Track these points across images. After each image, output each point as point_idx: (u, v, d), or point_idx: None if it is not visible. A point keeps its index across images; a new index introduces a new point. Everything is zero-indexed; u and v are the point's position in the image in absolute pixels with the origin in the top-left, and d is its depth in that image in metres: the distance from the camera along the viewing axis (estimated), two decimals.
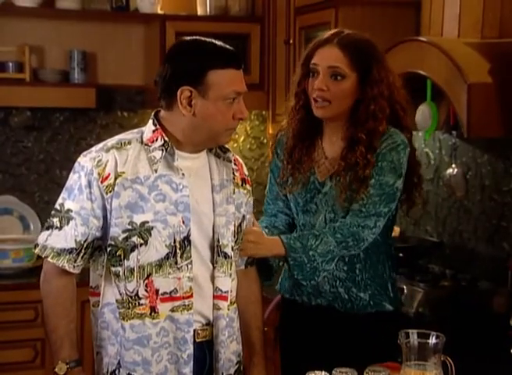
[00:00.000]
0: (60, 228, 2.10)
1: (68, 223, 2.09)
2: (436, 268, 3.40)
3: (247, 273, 2.32)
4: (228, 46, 2.10)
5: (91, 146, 2.17)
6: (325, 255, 2.33)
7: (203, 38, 2.12)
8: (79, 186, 2.09)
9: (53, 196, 4.30)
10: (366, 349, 2.38)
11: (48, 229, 2.13)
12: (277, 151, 2.58)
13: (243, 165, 2.31)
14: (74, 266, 2.11)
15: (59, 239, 2.10)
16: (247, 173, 2.30)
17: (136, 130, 2.18)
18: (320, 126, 2.49)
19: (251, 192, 2.30)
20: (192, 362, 2.13)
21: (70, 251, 2.09)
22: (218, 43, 2.09)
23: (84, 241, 2.09)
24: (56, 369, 2.11)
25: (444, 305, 2.97)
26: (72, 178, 2.12)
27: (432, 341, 1.93)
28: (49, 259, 2.10)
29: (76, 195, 2.09)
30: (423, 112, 3.26)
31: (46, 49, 4.16)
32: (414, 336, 1.93)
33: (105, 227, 2.10)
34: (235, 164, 2.25)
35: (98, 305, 2.15)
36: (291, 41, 3.86)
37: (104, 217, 2.09)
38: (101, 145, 2.13)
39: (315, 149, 2.50)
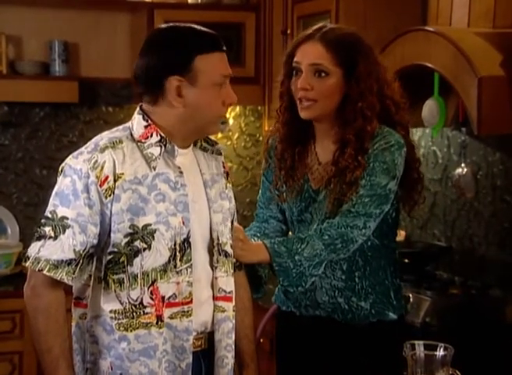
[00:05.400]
0: (55, 238, 2.05)
1: (64, 231, 2.05)
2: (444, 275, 3.41)
3: (234, 277, 2.31)
4: (208, 29, 2.13)
5: (73, 144, 2.16)
6: (312, 259, 2.34)
7: (181, 24, 2.14)
8: (73, 191, 2.06)
9: (32, 198, 4.34)
10: (368, 362, 2.40)
11: (39, 239, 2.06)
12: (270, 156, 2.59)
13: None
14: (72, 278, 2.08)
15: (55, 249, 2.05)
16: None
17: (121, 127, 2.16)
18: (311, 130, 2.51)
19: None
20: (190, 372, 2.13)
21: (69, 262, 2.05)
22: (198, 27, 2.12)
23: (83, 251, 2.06)
24: None
25: (453, 315, 2.97)
26: (63, 182, 2.08)
27: (440, 353, 1.93)
28: (45, 272, 2.05)
29: (72, 201, 2.05)
30: (430, 108, 3.27)
31: (24, 39, 4.15)
32: (420, 347, 1.93)
33: (101, 234, 2.08)
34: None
35: (85, 318, 2.13)
36: (289, 32, 3.87)
37: (101, 223, 2.07)
38: (92, 145, 2.10)
39: (308, 154, 2.52)
